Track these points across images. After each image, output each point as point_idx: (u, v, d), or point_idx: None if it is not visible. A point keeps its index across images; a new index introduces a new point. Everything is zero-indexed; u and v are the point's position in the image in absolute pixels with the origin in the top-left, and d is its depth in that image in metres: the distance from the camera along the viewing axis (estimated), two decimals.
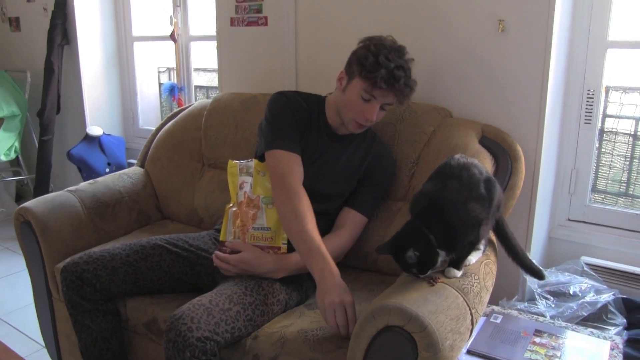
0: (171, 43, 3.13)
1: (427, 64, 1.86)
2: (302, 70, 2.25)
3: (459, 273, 1.29)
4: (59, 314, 1.88)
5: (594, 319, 1.64)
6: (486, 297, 1.36)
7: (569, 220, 1.98)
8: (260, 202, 1.56)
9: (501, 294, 1.75)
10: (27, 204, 1.85)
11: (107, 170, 3.23)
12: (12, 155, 3.55)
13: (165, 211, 2.22)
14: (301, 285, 1.56)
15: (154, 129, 2.36)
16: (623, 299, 1.69)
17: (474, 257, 1.38)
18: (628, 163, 1.95)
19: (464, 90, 1.86)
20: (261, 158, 1.64)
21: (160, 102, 3.63)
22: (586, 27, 1.82)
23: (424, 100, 1.86)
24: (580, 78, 1.87)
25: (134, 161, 2.38)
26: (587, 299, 1.67)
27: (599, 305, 1.65)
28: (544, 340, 1.46)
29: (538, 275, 1.48)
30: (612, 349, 1.42)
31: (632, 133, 1.93)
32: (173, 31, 3.06)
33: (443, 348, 1.09)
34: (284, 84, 2.28)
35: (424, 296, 1.17)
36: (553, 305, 1.68)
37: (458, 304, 1.21)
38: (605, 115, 1.93)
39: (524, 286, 1.77)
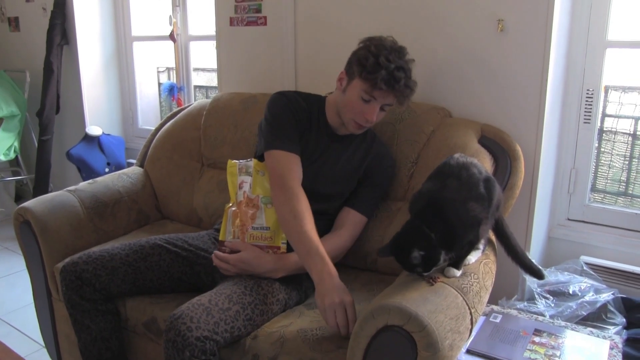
0: (170, 43, 3.13)
1: (427, 64, 1.86)
2: (302, 70, 2.25)
3: (458, 272, 1.29)
4: (58, 313, 1.88)
5: (594, 319, 1.64)
6: (485, 297, 1.36)
7: (569, 219, 1.98)
8: (260, 202, 1.56)
9: (501, 293, 1.75)
10: (26, 203, 1.85)
11: (107, 170, 3.23)
12: (12, 155, 3.55)
13: (165, 211, 2.22)
14: (300, 284, 1.56)
15: (154, 128, 2.36)
16: (622, 298, 1.69)
17: (473, 257, 1.38)
18: (627, 162, 1.95)
19: (464, 90, 1.86)
20: (261, 158, 1.64)
21: (160, 102, 3.62)
22: (585, 27, 1.82)
23: (424, 100, 1.86)
24: (580, 77, 1.87)
25: (134, 161, 2.38)
26: (587, 298, 1.67)
27: (598, 305, 1.65)
28: (543, 340, 1.46)
29: (537, 274, 1.48)
30: (611, 348, 1.42)
31: (632, 132, 1.93)
32: (172, 31, 3.05)
33: (442, 347, 1.09)
34: (283, 84, 2.28)
35: (423, 296, 1.17)
36: (552, 305, 1.68)
37: (457, 303, 1.21)
38: (604, 115, 1.93)
39: (523, 286, 1.77)
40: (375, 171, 1.69)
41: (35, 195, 3.39)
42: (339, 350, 1.29)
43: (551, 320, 1.58)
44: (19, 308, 2.56)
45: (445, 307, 1.16)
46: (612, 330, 1.59)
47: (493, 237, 1.51)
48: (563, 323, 1.56)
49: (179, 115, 2.32)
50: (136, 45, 3.45)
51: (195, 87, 3.30)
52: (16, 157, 3.66)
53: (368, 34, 1.60)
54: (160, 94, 3.59)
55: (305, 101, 1.68)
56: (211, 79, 3.35)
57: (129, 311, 1.62)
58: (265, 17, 2.30)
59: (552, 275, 1.76)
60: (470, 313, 1.23)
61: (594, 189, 1.98)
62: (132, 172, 2.22)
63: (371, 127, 1.67)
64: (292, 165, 1.56)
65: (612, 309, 1.64)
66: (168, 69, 3.56)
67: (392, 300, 1.15)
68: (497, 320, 1.56)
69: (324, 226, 1.64)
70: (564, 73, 1.86)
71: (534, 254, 1.86)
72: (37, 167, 3.52)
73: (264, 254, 1.51)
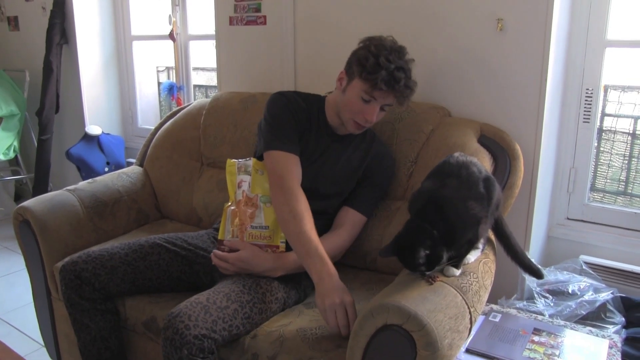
0: (170, 42, 3.12)
1: (426, 63, 1.86)
2: (301, 69, 2.25)
3: (457, 272, 1.29)
4: (58, 313, 1.88)
5: (593, 318, 1.64)
6: (485, 296, 1.36)
7: (568, 219, 1.98)
8: (259, 201, 1.56)
9: (500, 292, 1.75)
10: (26, 203, 1.85)
11: (106, 169, 3.23)
12: (11, 155, 3.55)
13: (164, 210, 2.22)
14: (300, 283, 1.56)
15: (153, 128, 2.36)
16: (621, 297, 1.70)
17: (472, 256, 1.38)
18: (627, 162, 1.95)
19: (463, 89, 1.86)
20: (260, 158, 1.64)
21: (159, 101, 3.62)
22: (585, 26, 1.82)
23: (423, 100, 1.86)
24: (579, 77, 1.87)
25: (133, 160, 2.38)
26: (586, 297, 1.67)
27: (597, 304, 1.65)
28: (542, 339, 1.46)
29: (537, 274, 1.48)
30: (610, 347, 1.42)
31: (631, 132, 1.93)
32: (172, 30, 3.05)
33: (442, 347, 1.09)
34: (283, 83, 2.28)
35: (422, 295, 1.17)
36: (552, 304, 1.68)
37: (457, 302, 1.21)
38: (603, 114, 1.93)
39: (522, 285, 1.77)
40: (375, 171, 1.69)
41: (34, 194, 3.39)
42: (339, 349, 1.29)
43: (550, 320, 1.58)
44: (18, 307, 2.56)
45: (444, 306, 1.16)
46: (611, 329, 1.59)
47: (492, 237, 1.51)
48: (562, 322, 1.56)
49: (178, 115, 2.32)
50: (136, 45, 3.45)
51: (195, 86, 3.30)
52: (16, 156, 3.66)
53: (368, 34, 1.60)
54: (159, 94, 3.59)
55: (305, 101, 1.68)
56: (211, 79, 3.35)
57: (129, 310, 1.62)
58: (264, 17, 2.30)
59: (552, 275, 1.76)
60: (470, 312, 1.23)
61: (593, 188, 1.98)
62: (132, 171, 2.22)
63: (371, 127, 1.67)
64: (291, 166, 1.56)
65: (611, 308, 1.65)
66: (168, 69, 3.56)
67: (391, 299, 1.15)
68: (497, 320, 1.56)
69: (323, 225, 1.64)
70: (564, 72, 1.86)
71: (533, 253, 1.86)
72: (36, 166, 3.52)
73: (263, 253, 1.51)
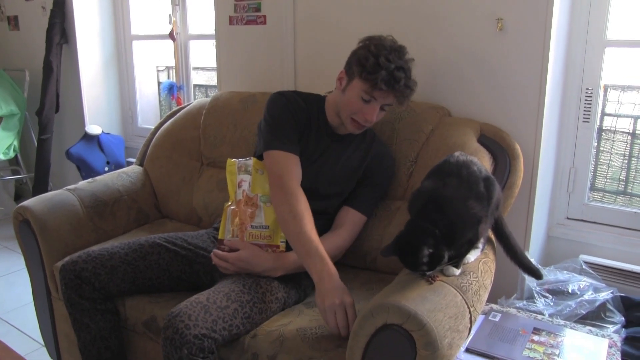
0: (170, 42, 3.12)
1: (426, 63, 1.86)
2: (301, 69, 2.25)
3: (457, 271, 1.29)
4: (58, 312, 1.88)
5: (593, 317, 1.64)
6: (485, 296, 1.36)
7: (568, 218, 1.98)
8: (259, 201, 1.56)
9: (500, 292, 1.75)
10: (26, 202, 1.85)
11: (106, 169, 3.23)
12: (11, 154, 3.55)
13: (164, 210, 2.22)
14: (300, 283, 1.56)
15: (153, 127, 2.36)
16: (621, 297, 1.70)
17: (472, 256, 1.38)
18: (626, 161, 1.95)
19: (463, 89, 1.86)
20: (260, 158, 1.64)
21: (159, 101, 3.62)
22: (584, 26, 1.82)
23: (423, 99, 1.86)
24: (579, 76, 1.87)
25: (133, 160, 2.38)
26: (586, 297, 1.67)
27: (597, 304, 1.65)
28: (542, 339, 1.46)
29: (536, 274, 1.48)
30: (610, 347, 1.42)
31: (631, 131, 1.93)
32: (172, 30, 3.05)
33: (441, 346, 1.09)
34: (283, 83, 2.28)
35: (422, 294, 1.17)
36: (552, 304, 1.68)
37: (456, 302, 1.21)
38: (603, 114, 1.93)
39: (522, 284, 1.77)
40: (375, 171, 1.69)
41: (34, 194, 3.39)
42: (338, 349, 1.29)
43: (550, 319, 1.58)
44: (18, 307, 2.56)
45: (444, 306, 1.16)
46: (611, 328, 1.59)
47: (492, 237, 1.51)
48: (562, 322, 1.56)
49: (178, 114, 2.32)
50: (136, 44, 3.45)
51: (195, 86, 3.30)
52: (16, 156, 3.66)
53: (367, 33, 1.60)
54: (159, 93, 3.59)
55: (305, 101, 1.68)
56: (211, 78, 3.35)
57: (129, 310, 1.62)
58: (264, 16, 2.30)
59: (552, 274, 1.77)
60: (470, 312, 1.23)
61: (593, 188, 1.98)
62: (132, 171, 2.22)
63: (371, 127, 1.67)
64: (291, 166, 1.56)
65: (611, 307, 1.65)
66: (167, 68, 3.56)
67: (391, 299, 1.15)
68: (497, 319, 1.56)
69: (324, 225, 1.64)
70: (563, 72, 1.86)
71: (533, 253, 1.86)
72: (36, 166, 3.52)
73: (263, 253, 1.51)
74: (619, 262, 1.82)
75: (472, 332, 1.45)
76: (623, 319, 1.63)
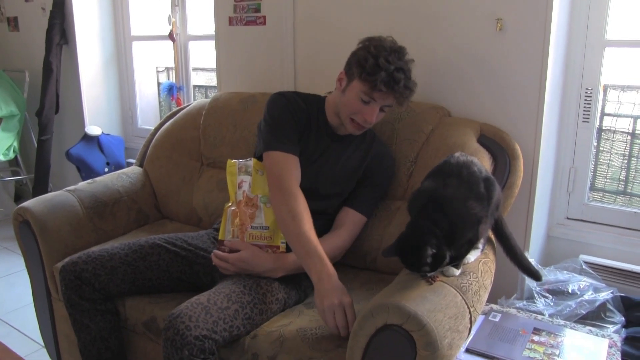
0: (170, 42, 3.12)
1: (425, 63, 1.86)
2: (301, 69, 2.25)
3: (457, 272, 1.29)
4: (58, 313, 1.88)
5: (593, 317, 1.64)
6: (485, 296, 1.36)
7: (568, 218, 1.98)
8: (259, 201, 1.56)
9: (500, 292, 1.75)
10: (25, 203, 1.85)
11: (106, 169, 3.23)
12: (11, 155, 3.55)
13: (164, 210, 2.22)
14: (300, 284, 1.56)
15: (153, 128, 2.36)
16: (621, 297, 1.70)
17: (472, 256, 1.38)
18: (626, 161, 1.95)
19: (462, 89, 1.86)
20: (260, 159, 1.64)
21: (159, 102, 3.63)
22: (584, 26, 1.82)
23: (423, 100, 1.86)
24: (579, 76, 1.87)
25: (133, 161, 2.38)
26: (586, 297, 1.67)
27: (597, 304, 1.65)
28: (542, 339, 1.46)
29: (535, 276, 1.48)
30: (610, 347, 1.42)
31: (630, 131, 1.93)
32: (171, 31, 3.05)
33: (441, 346, 1.10)
34: (283, 83, 2.28)
35: (422, 295, 1.17)
36: (552, 304, 1.68)
37: (456, 302, 1.21)
38: (603, 114, 1.93)
39: (522, 285, 1.77)
40: (375, 171, 1.69)
41: (34, 195, 3.39)
42: (338, 349, 1.29)
43: (550, 319, 1.58)
44: (18, 308, 2.56)
45: (444, 306, 1.16)
46: (611, 328, 1.59)
47: (492, 237, 1.51)
48: (562, 322, 1.56)
49: (178, 115, 2.32)
50: (135, 45, 3.45)
51: (195, 86, 3.30)
52: (15, 157, 3.66)
53: (367, 34, 1.60)
54: (159, 94, 3.59)
55: (305, 101, 1.68)
56: (210, 79, 3.35)
57: (129, 311, 1.62)
58: (264, 17, 2.30)
59: (551, 274, 1.77)
60: (470, 312, 1.23)
61: (593, 188, 1.98)
62: (132, 171, 2.22)
63: (371, 127, 1.67)
64: (290, 166, 1.56)
65: (611, 307, 1.65)
66: (167, 69, 3.56)
67: (391, 299, 1.15)
68: (497, 319, 1.56)
69: (324, 225, 1.64)
70: (563, 72, 1.86)
71: (533, 253, 1.86)
72: (36, 167, 3.52)
73: (263, 253, 1.51)
74: (619, 262, 1.82)
75: (472, 332, 1.45)
76: (623, 319, 1.63)
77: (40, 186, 3.51)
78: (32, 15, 3.57)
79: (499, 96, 1.80)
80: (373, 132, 1.74)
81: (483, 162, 1.57)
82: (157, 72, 3.60)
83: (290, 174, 1.54)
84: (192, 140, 2.21)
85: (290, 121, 1.62)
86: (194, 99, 3.24)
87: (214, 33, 2.51)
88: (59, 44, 3.32)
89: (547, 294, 1.71)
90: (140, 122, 3.57)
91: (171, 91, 3.20)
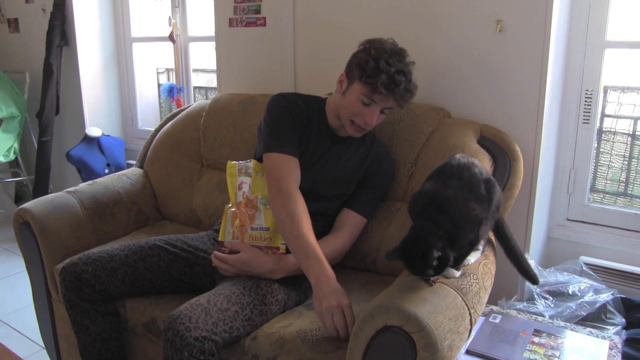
0: (170, 44, 3.13)
1: (425, 65, 1.86)
2: (301, 70, 2.25)
3: (457, 273, 1.29)
4: (58, 314, 1.88)
5: (593, 319, 1.64)
6: (485, 297, 1.36)
7: (568, 220, 1.98)
8: (259, 203, 1.56)
9: (500, 293, 1.75)
10: (26, 205, 1.85)
11: (106, 171, 3.23)
12: (11, 157, 3.55)
13: (164, 212, 2.22)
14: (300, 285, 1.56)
15: (153, 129, 2.36)
16: (622, 298, 1.69)
17: (472, 257, 1.37)
18: (626, 162, 1.95)
19: (463, 90, 1.86)
20: (260, 160, 1.64)
21: (159, 103, 3.63)
22: (584, 27, 1.82)
23: (423, 101, 1.86)
24: (579, 78, 1.87)
25: (133, 162, 2.39)
26: (586, 298, 1.67)
27: (597, 305, 1.65)
28: (542, 340, 1.46)
29: (532, 279, 1.48)
30: (610, 348, 1.42)
31: (631, 132, 1.93)
32: (172, 32, 3.06)
33: (442, 348, 1.09)
34: (283, 85, 2.28)
35: (422, 296, 1.17)
36: (552, 305, 1.68)
37: (457, 303, 1.21)
38: (603, 115, 1.93)
39: (522, 286, 1.77)
40: (375, 173, 1.69)
41: (35, 196, 3.39)
42: (338, 350, 1.29)
43: (550, 321, 1.58)
44: (18, 309, 2.56)
45: (444, 308, 1.16)
46: (612, 330, 1.59)
47: (493, 239, 1.51)
48: (562, 323, 1.56)
49: (178, 116, 2.32)
50: (136, 46, 3.45)
51: (195, 88, 3.30)
52: (16, 158, 3.66)
53: (367, 35, 1.60)
54: (159, 95, 3.60)
55: (305, 103, 1.68)
56: (211, 80, 3.36)
57: (129, 312, 1.62)
58: (264, 18, 2.30)
59: (552, 276, 1.76)
60: (470, 313, 1.23)
61: (593, 189, 1.98)
62: (132, 173, 2.22)
63: (371, 129, 1.67)
64: (289, 168, 1.55)
65: (611, 309, 1.65)
66: (167, 70, 3.57)
67: (391, 300, 1.15)
68: (497, 321, 1.56)
69: (324, 227, 1.64)
70: (563, 73, 1.86)
71: (533, 254, 1.86)
72: (36, 168, 3.52)
73: (263, 255, 1.51)
74: (620, 263, 1.82)
75: (473, 333, 1.45)
76: (623, 320, 1.63)
77: (41, 187, 3.51)
78: (32, 17, 3.58)
79: (499, 97, 1.80)
80: (373, 133, 1.74)
81: (483, 164, 1.57)
82: (158, 73, 3.60)
83: (289, 176, 1.54)
84: (192, 142, 2.22)
85: (290, 123, 1.62)
86: (194, 100, 3.24)
87: (214, 34, 2.51)
88: (59, 45, 3.33)
89: (547, 296, 1.71)
90: (140, 124, 3.57)
91: (171, 92, 3.20)
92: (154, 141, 2.29)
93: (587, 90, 1.87)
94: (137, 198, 2.13)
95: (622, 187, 1.97)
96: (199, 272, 1.63)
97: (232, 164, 1.62)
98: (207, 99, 3.04)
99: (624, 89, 1.91)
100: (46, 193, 3.44)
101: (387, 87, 1.49)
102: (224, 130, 2.14)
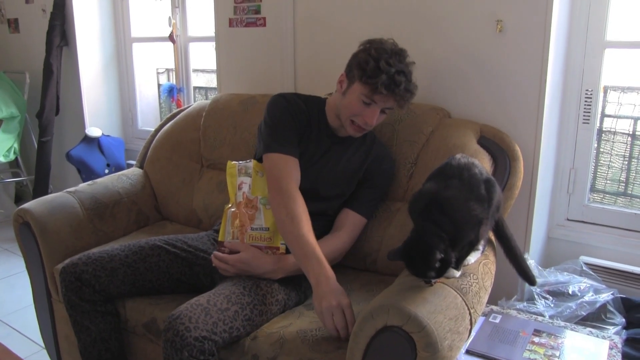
0: (170, 44, 3.13)
1: (425, 65, 1.86)
2: (301, 70, 2.25)
3: (457, 273, 1.29)
4: (58, 315, 1.88)
5: (593, 319, 1.64)
6: (485, 297, 1.36)
7: (568, 220, 1.98)
8: (259, 203, 1.56)
9: (500, 293, 1.75)
10: (26, 205, 1.85)
11: (107, 171, 3.23)
12: (12, 157, 3.55)
13: (164, 212, 2.22)
14: (300, 285, 1.56)
15: (153, 130, 2.37)
16: (622, 298, 1.69)
17: (472, 257, 1.38)
18: (626, 162, 1.95)
19: (463, 90, 1.86)
20: (260, 160, 1.64)
21: (159, 103, 3.63)
22: (584, 27, 1.82)
23: (423, 101, 1.86)
24: (579, 78, 1.87)
25: (133, 162, 2.39)
26: (586, 298, 1.67)
27: (597, 305, 1.65)
28: (542, 340, 1.46)
29: (530, 280, 1.49)
30: (610, 348, 1.42)
31: (631, 132, 1.93)
32: (172, 32, 3.06)
33: (442, 348, 1.09)
34: (283, 85, 2.28)
35: (422, 296, 1.17)
36: (552, 305, 1.68)
37: (457, 303, 1.21)
38: (603, 115, 1.93)
39: (522, 286, 1.77)
40: (376, 173, 1.69)
41: (35, 196, 3.39)
42: (338, 350, 1.29)
43: (550, 321, 1.58)
44: (18, 309, 2.56)
45: (444, 308, 1.16)
46: (612, 330, 1.59)
47: (493, 239, 1.51)
48: (562, 323, 1.56)
49: (178, 117, 2.32)
50: (136, 47, 3.45)
51: (195, 88, 3.30)
52: (16, 158, 3.66)
53: (367, 35, 1.60)
54: (159, 95, 3.60)
55: (305, 103, 1.68)
56: (211, 80, 3.36)
57: (129, 312, 1.62)
58: (264, 18, 2.30)
59: (552, 276, 1.76)
60: (470, 313, 1.23)
61: (593, 189, 1.98)
62: (132, 173, 2.22)
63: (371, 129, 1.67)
64: (289, 168, 1.55)
65: (611, 309, 1.65)
66: (167, 70, 3.57)
67: (391, 300, 1.15)
68: (497, 321, 1.56)
69: (324, 227, 1.64)
70: (563, 73, 1.86)
71: (533, 254, 1.86)
72: (36, 168, 3.52)
73: (263, 255, 1.51)
74: (620, 263, 1.82)
75: (473, 333, 1.45)
76: (624, 320, 1.63)
77: (41, 188, 3.51)
78: (32, 17, 3.58)
79: (499, 97, 1.80)
80: (373, 133, 1.74)
81: (483, 164, 1.58)
82: (158, 73, 3.60)
83: (289, 176, 1.54)
84: (192, 142, 2.22)
85: (290, 123, 1.62)
86: (194, 101, 3.24)
87: (214, 34, 2.51)
88: (59, 45, 3.33)
89: (547, 296, 1.71)
90: (140, 124, 3.57)
91: (171, 93, 3.21)
92: (154, 141, 2.29)
93: (587, 90, 1.87)
94: (137, 198, 2.13)
95: (622, 187, 1.97)
96: (199, 272, 1.63)
97: (232, 164, 1.62)
98: (207, 99, 3.04)
99: (624, 89, 1.91)
100: (46, 193, 3.44)
101: (388, 87, 1.49)
102: (224, 130, 2.14)
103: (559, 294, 1.71)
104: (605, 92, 1.90)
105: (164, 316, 1.51)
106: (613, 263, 1.82)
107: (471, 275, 1.32)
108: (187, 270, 1.63)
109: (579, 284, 1.72)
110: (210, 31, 2.82)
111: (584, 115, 1.89)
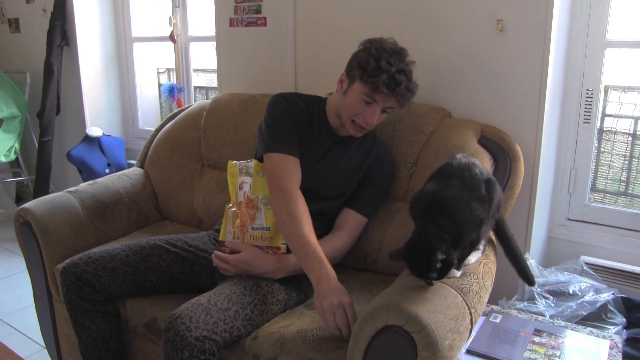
0: (170, 44, 3.13)
1: (426, 64, 1.86)
2: (301, 70, 2.25)
3: (458, 273, 1.29)
4: (59, 314, 1.88)
5: (594, 319, 1.64)
6: (485, 297, 1.36)
7: (569, 219, 1.98)
8: (260, 203, 1.56)
9: (501, 293, 1.75)
10: (27, 205, 1.85)
11: (107, 171, 3.23)
12: (12, 157, 3.55)
13: (165, 212, 2.22)
14: (300, 285, 1.56)
15: (154, 129, 2.37)
16: (622, 298, 1.69)
17: (473, 257, 1.38)
18: (627, 162, 1.95)
19: (463, 90, 1.86)
20: (261, 160, 1.64)
21: (160, 103, 3.63)
22: (585, 27, 1.82)
23: (423, 101, 1.86)
24: (579, 77, 1.87)
25: (134, 162, 2.39)
26: (587, 298, 1.67)
27: (598, 305, 1.65)
28: (543, 340, 1.46)
29: (529, 280, 1.48)
30: (611, 348, 1.42)
31: (631, 132, 1.93)
32: (172, 32, 3.06)
33: (442, 347, 1.09)
34: (283, 85, 2.28)
35: (423, 296, 1.17)
36: (552, 305, 1.68)
37: (457, 303, 1.21)
38: (604, 115, 1.93)
39: (523, 286, 1.76)
40: (376, 172, 1.69)
41: (35, 196, 3.39)
42: (339, 350, 1.29)
43: (551, 320, 1.58)
44: (19, 309, 2.56)
45: (445, 307, 1.16)
46: (612, 330, 1.59)
47: (494, 238, 1.51)
48: (563, 323, 1.56)
49: (179, 116, 2.32)
50: (136, 46, 3.45)
51: (195, 87, 3.30)
52: (17, 158, 3.66)
53: (368, 35, 1.60)
54: (160, 95, 3.60)
55: (305, 103, 1.68)
56: (211, 80, 3.36)
57: (130, 312, 1.62)
58: (265, 18, 2.30)
59: (552, 275, 1.76)
60: (470, 313, 1.23)
61: (593, 189, 1.98)
62: (132, 173, 2.22)
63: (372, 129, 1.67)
64: (289, 168, 1.56)
65: (612, 308, 1.64)
66: (168, 70, 3.57)
67: (391, 300, 1.15)
68: (497, 320, 1.56)
69: (324, 227, 1.64)
70: (564, 73, 1.86)
71: (534, 254, 1.86)
72: (37, 168, 3.52)
73: (264, 255, 1.51)
74: (620, 263, 1.82)
75: (473, 333, 1.45)
76: (624, 320, 1.63)
77: (41, 187, 3.51)
78: (33, 17, 3.58)
79: (500, 97, 1.80)
80: (374, 133, 1.74)
81: (484, 163, 1.57)
82: (158, 73, 3.60)
83: (289, 176, 1.54)
84: (193, 142, 2.22)
85: (290, 123, 1.62)
86: (195, 100, 3.24)
87: (214, 34, 2.51)
88: (59, 45, 3.33)
89: (548, 295, 1.71)
90: (141, 124, 3.57)
91: (172, 92, 3.21)
92: (155, 141, 2.29)
93: (587, 89, 1.87)
94: (137, 198, 2.13)
95: (623, 187, 1.97)
96: (200, 272, 1.63)
97: (233, 164, 1.62)
98: (207, 98, 3.05)
99: (624, 89, 1.91)
100: (47, 193, 3.44)
101: (388, 86, 1.49)
102: (225, 130, 2.14)
103: (559, 294, 1.71)
104: (606, 91, 1.90)
105: (165, 316, 1.51)
106: (614, 263, 1.82)
107: (472, 275, 1.32)
108: (187, 270, 1.63)
109: (579, 284, 1.72)
110: (211, 31, 2.82)
111: (584, 115, 1.89)
